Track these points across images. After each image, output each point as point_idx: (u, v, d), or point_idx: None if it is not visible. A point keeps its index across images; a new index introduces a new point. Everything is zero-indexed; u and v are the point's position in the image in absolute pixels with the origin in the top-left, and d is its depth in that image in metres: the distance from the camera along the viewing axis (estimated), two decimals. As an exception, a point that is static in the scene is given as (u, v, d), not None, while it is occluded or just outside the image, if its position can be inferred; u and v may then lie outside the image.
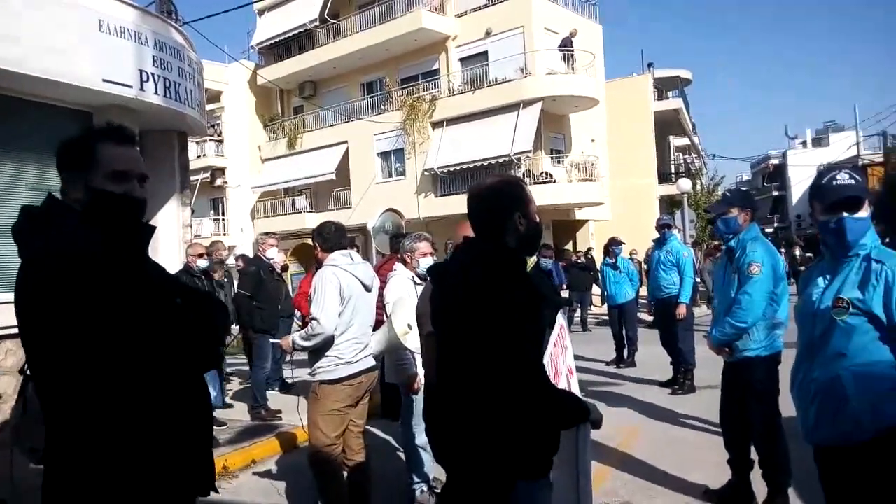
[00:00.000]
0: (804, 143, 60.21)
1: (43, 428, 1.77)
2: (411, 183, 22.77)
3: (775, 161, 62.22)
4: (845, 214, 2.38)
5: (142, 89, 6.80)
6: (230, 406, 7.48)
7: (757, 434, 4.07)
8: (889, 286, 2.29)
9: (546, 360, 3.40)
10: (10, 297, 5.09)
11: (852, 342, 2.35)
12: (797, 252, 20.14)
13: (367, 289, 3.84)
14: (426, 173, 22.09)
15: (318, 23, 24.82)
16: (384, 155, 24.18)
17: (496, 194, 2.09)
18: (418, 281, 4.40)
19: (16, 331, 3.97)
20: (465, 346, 1.93)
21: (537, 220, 2.13)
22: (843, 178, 2.44)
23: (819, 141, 58.24)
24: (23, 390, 1.99)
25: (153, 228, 1.87)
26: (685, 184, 18.99)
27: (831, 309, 2.40)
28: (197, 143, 28.80)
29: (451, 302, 2.01)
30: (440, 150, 21.62)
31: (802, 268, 20.01)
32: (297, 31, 25.51)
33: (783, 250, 29.25)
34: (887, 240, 3.19)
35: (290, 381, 8.03)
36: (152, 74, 6.91)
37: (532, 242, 2.17)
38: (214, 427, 6.22)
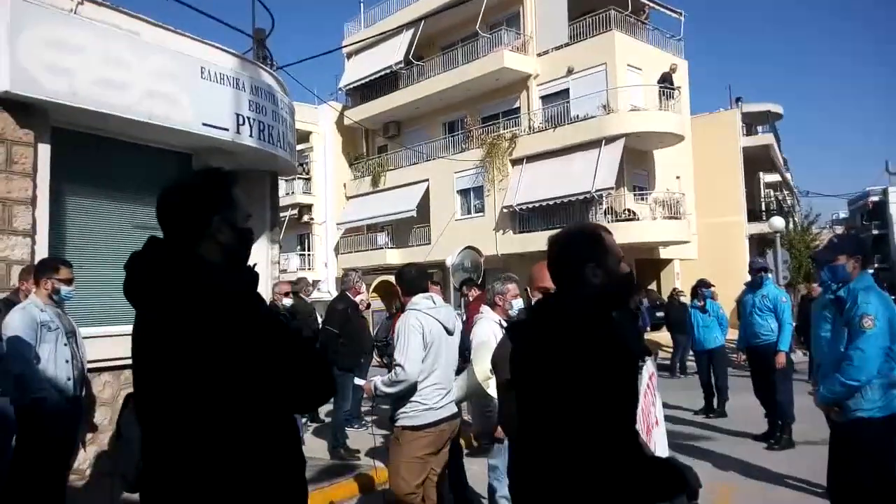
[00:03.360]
0: (907, 179, 56.43)
1: (133, 456, 1.83)
2: (490, 220, 22.81)
3: (875, 198, 58.44)
4: None
5: (238, 132, 7.12)
6: (304, 444, 7.55)
7: (870, 500, 3.72)
8: None
9: (637, 415, 3.25)
10: (109, 329, 5.26)
11: None
12: (906, 296, 18.67)
13: (450, 332, 3.79)
14: (505, 210, 22.08)
15: (402, 64, 25.55)
16: (464, 192, 24.38)
17: (568, 244, 1.98)
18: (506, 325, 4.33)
19: (114, 363, 3.95)
20: (549, 412, 1.82)
21: (622, 270, 1.96)
22: None
23: (925, 177, 54.43)
24: (119, 419, 2.07)
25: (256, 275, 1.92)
26: (778, 222, 18.11)
27: None
28: (286, 181, 30.00)
29: (530, 363, 1.90)
30: (520, 188, 21.61)
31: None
32: (382, 73, 26.34)
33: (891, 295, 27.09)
34: None
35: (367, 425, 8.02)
36: (248, 118, 7.24)
37: (616, 296, 2.00)
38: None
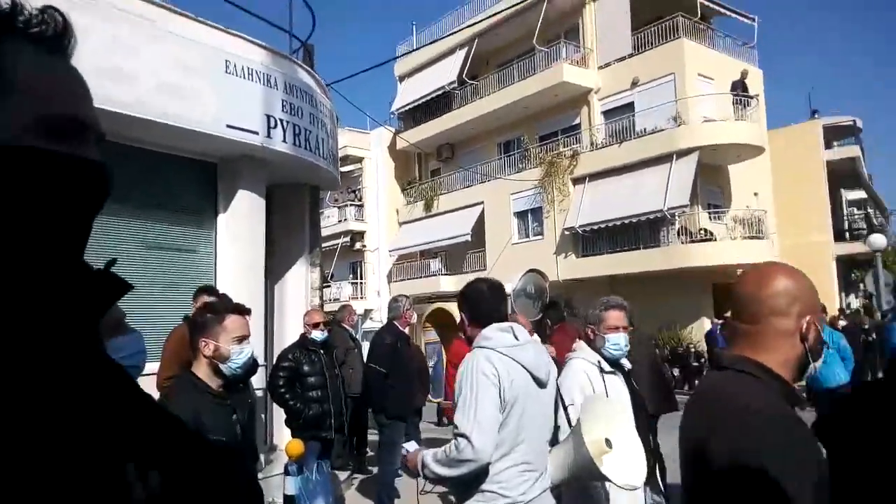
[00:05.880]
0: None
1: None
2: (550, 243, 21.45)
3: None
4: None
5: (269, 136, 6.12)
6: None
7: None
8: None
9: None
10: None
11: None
12: None
13: (542, 384, 2.50)
14: (566, 233, 20.70)
15: (456, 84, 24.69)
16: (521, 215, 23.13)
17: None
18: (607, 368, 3.08)
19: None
20: None
21: None
22: None
23: None
24: None
25: (126, 288, 0.72)
26: (878, 240, 16.17)
27: None
28: (339, 208, 29.57)
29: None
30: (582, 208, 20.21)
31: None
32: (435, 94, 25.54)
33: None
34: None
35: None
36: (280, 120, 6.24)
37: None
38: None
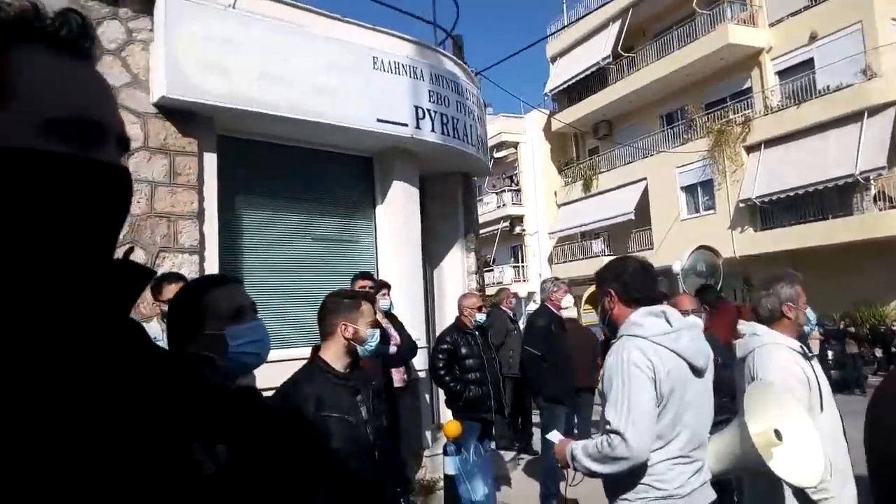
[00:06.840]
0: None
1: None
2: (723, 217, 20.02)
3: None
4: None
5: (418, 127, 6.26)
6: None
7: None
8: None
9: None
10: (284, 353, 4.38)
11: None
12: None
13: (699, 372, 2.30)
14: (741, 205, 19.20)
15: (610, 59, 23.77)
16: (689, 189, 21.81)
17: None
18: (809, 353, 2.74)
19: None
20: None
21: None
22: None
23: None
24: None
25: (149, 274, 0.75)
26: None
27: None
28: (496, 194, 29.82)
29: None
30: (758, 178, 18.62)
31: None
32: (589, 71, 24.76)
33: None
34: None
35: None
36: (428, 111, 6.35)
37: None
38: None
